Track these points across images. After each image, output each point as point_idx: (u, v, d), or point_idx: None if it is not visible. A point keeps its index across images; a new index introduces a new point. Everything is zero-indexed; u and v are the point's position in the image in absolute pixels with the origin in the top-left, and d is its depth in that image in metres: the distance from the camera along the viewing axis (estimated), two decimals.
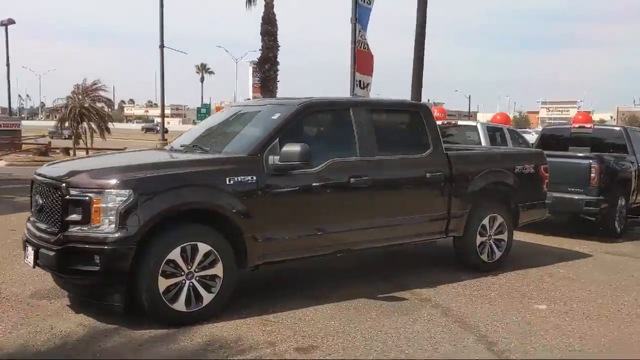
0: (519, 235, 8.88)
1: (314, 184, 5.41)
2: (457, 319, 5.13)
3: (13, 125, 31.10)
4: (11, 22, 36.67)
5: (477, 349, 4.47)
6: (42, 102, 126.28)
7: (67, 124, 22.31)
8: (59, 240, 4.56)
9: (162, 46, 24.28)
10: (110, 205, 4.48)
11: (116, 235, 4.45)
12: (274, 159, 5.12)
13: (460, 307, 5.47)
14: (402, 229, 6.06)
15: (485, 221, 6.74)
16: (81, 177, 4.70)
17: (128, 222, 4.48)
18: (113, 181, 4.55)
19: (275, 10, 23.97)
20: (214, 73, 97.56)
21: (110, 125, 25.57)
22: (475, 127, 12.23)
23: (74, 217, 4.55)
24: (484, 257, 6.76)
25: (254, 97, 22.37)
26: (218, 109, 31.63)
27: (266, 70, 23.66)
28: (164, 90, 24.75)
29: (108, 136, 24.47)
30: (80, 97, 22.10)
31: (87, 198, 4.51)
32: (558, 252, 8.08)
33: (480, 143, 11.90)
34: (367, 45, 12.52)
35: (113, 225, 4.47)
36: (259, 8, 24.50)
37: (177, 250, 4.66)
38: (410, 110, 6.59)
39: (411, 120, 6.50)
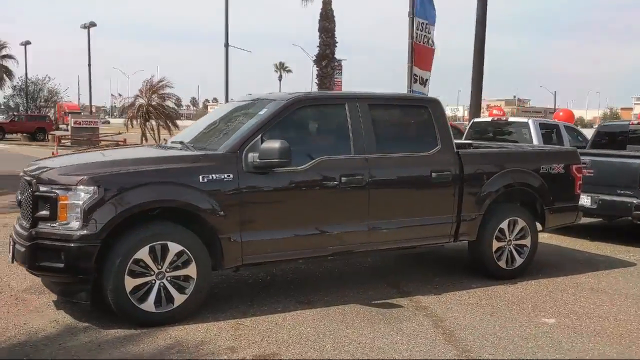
0: (558, 240, 8.28)
1: (300, 183, 5.15)
2: (446, 331, 4.73)
3: (92, 123, 32.81)
4: (92, 24, 38.54)
5: None
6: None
7: (135, 123, 23.11)
8: (29, 236, 4.55)
9: (227, 45, 24.71)
10: (76, 202, 4.42)
11: (80, 232, 4.38)
12: (253, 157, 4.89)
13: (456, 317, 5.05)
14: (403, 232, 5.67)
15: (504, 225, 6.21)
16: (50, 173, 4.67)
17: (93, 219, 4.40)
18: (79, 178, 4.48)
19: (332, 6, 23.84)
20: (291, 71, 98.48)
21: (179, 122, 26.41)
22: (527, 123, 11.54)
23: (43, 213, 4.52)
24: (502, 263, 6.24)
25: None
26: None
27: (323, 67, 23.55)
28: (228, 89, 25.24)
29: (178, 133, 25.05)
30: (147, 95, 22.83)
31: (54, 194, 4.47)
32: (596, 260, 7.37)
33: (531, 141, 11.22)
34: (429, 38, 12.00)
35: (78, 223, 4.41)
36: (317, 5, 24.48)
37: (145, 249, 4.54)
38: (417, 105, 6.15)
39: (417, 116, 6.06)
